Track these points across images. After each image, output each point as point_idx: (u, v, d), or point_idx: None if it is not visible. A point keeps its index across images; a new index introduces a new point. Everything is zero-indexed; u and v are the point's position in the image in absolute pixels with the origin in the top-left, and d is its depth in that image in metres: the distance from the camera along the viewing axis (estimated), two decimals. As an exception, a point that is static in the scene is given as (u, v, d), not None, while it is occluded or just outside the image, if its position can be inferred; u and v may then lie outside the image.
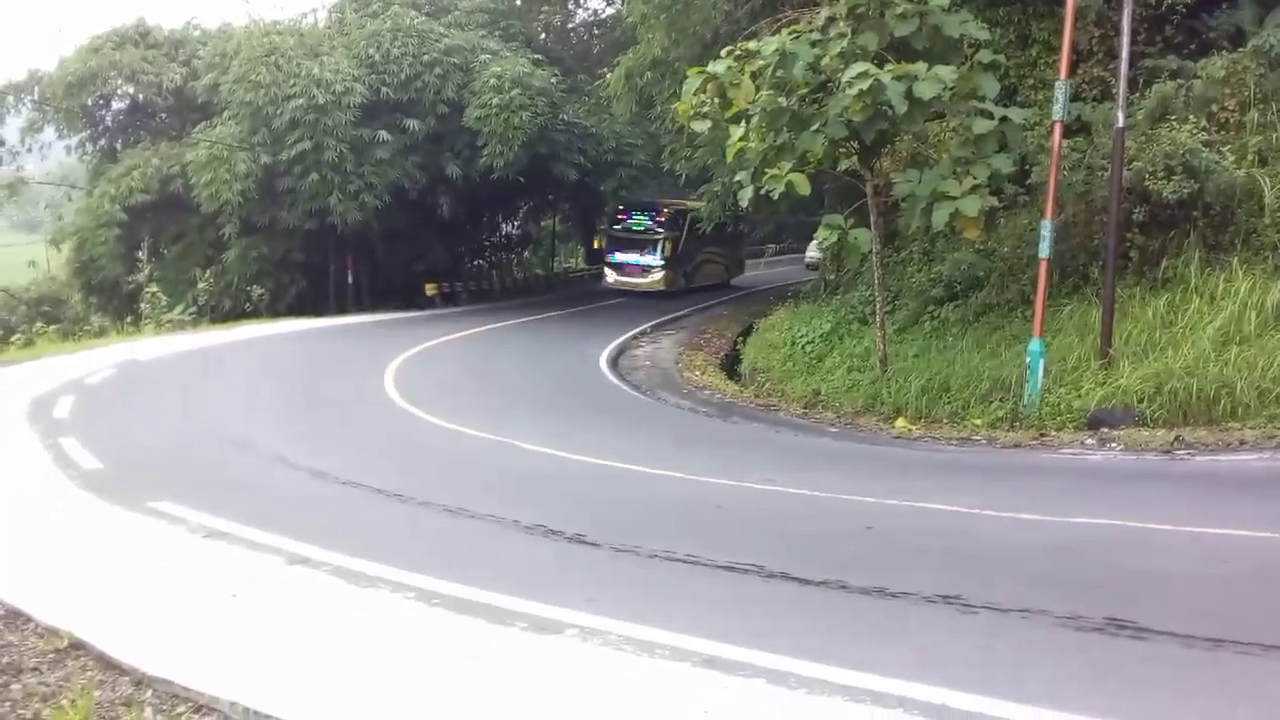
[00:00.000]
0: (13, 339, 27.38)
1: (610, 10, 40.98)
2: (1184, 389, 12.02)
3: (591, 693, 4.61)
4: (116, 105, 35.41)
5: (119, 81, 32.80)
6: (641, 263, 35.96)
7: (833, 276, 25.16)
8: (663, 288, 35.74)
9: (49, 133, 34.68)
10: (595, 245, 38.44)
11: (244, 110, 28.87)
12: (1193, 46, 16.03)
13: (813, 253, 44.87)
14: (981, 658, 4.92)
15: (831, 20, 14.21)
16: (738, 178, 15.59)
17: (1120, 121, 12.94)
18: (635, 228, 36.58)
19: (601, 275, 39.14)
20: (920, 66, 13.07)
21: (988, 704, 4.30)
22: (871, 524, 7.91)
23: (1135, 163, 13.73)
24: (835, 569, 6.39)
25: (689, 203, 34.99)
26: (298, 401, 14.57)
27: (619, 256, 36.77)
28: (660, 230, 36.01)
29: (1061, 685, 4.54)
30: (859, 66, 13.08)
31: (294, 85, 28.16)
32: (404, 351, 19.50)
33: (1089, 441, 11.70)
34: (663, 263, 35.88)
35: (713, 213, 30.28)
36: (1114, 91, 13.77)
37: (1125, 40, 12.97)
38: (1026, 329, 14.00)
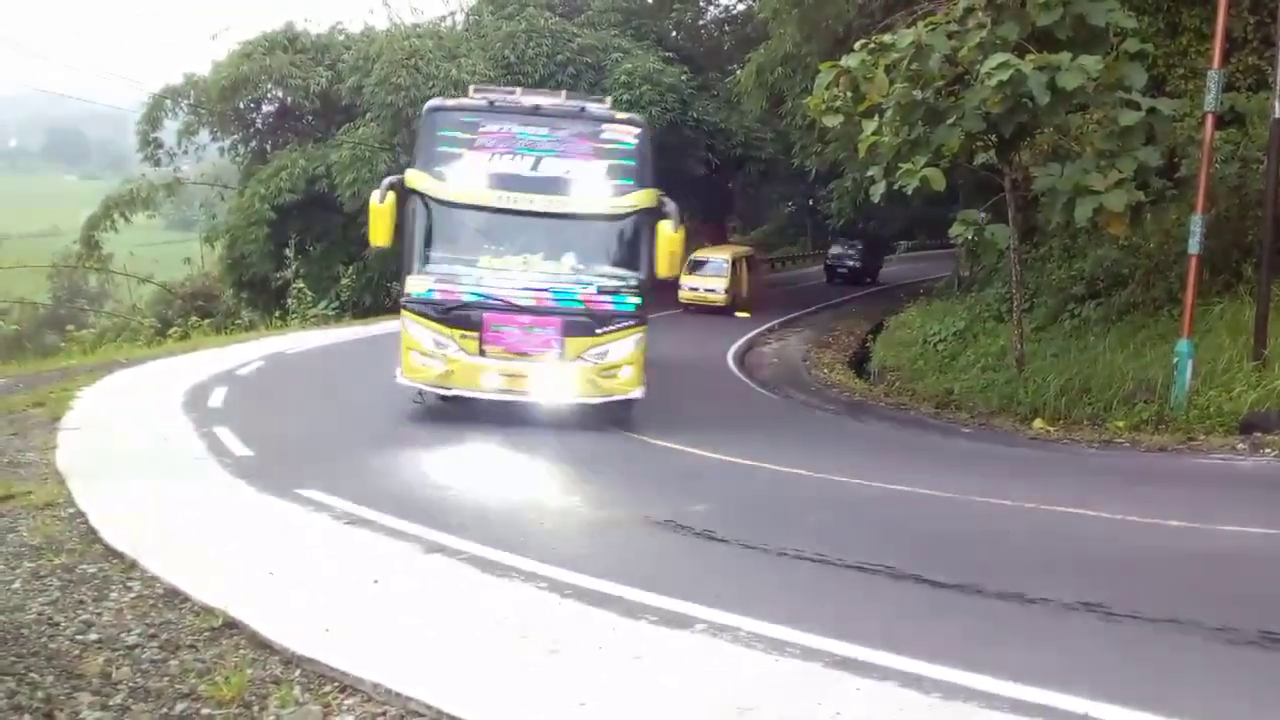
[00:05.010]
0: (170, 332, 28.70)
1: (741, 6, 40.87)
2: (1347, 393, 11.44)
3: (723, 687, 4.62)
4: (266, 108, 36.68)
5: (269, 85, 33.96)
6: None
7: (967, 273, 24.65)
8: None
9: (203, 135, 36.11)
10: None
11: (385, 112, 29.67)
12: (1357, 32, 15.16)
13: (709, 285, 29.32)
14: (1127, 668, 4.78)
15: (970, 11, 13.91)
16: (870, 173, 15.37)
17: (1277, 112, 12.37)
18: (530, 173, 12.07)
19: None
20: (1063, 56, 12.67)
21: (1135, 716, 4.17)
22: (1007, 528, 7.74)
23: (1294, 155, 13.09)
24: (969, 573, 6.27)
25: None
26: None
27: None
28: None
29: (1214, 700, 4.38)
30: (999, 57, 12.75)
31: (433, 87, 28.79)
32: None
33: (1240, 446, 11.21)
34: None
35: (842, 210, 29.96)
36: (1270, 81, 13.16)
37: (1285, 26, 12.39)
38: (1173, 328, 13.48)
